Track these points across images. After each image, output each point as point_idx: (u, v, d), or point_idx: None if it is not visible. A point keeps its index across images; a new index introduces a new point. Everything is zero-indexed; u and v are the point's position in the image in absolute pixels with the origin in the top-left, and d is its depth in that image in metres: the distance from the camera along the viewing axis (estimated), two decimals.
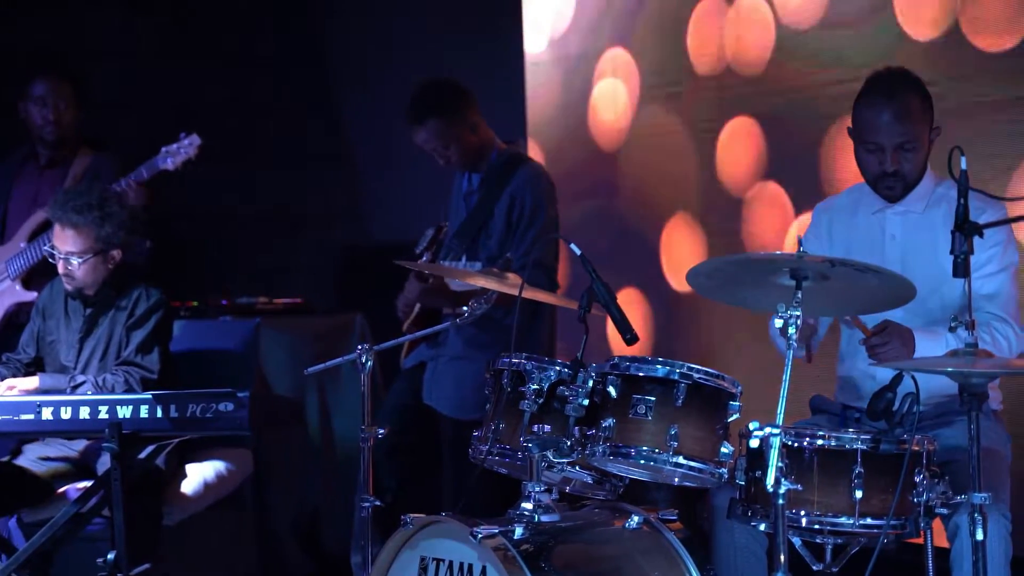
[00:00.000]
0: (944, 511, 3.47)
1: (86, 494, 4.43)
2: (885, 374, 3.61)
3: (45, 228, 5.33)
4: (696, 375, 3.50)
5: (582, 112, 6.52)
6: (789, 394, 3.24)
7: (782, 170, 5.69)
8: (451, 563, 3.54)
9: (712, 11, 5.92)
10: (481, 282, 4.14)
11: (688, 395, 3.49)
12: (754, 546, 3.72)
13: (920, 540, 3.56)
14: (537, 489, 3.57)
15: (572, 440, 3.54)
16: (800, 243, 3.30)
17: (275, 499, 5.74)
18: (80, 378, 4.81)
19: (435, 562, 3.58)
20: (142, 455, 4.57)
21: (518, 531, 3.45)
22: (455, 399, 5.19)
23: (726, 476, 3.51)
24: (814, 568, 3.54)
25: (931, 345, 3.72)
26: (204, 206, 6.78)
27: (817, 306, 3.55)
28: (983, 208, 3.78)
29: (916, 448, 3.40)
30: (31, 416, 4.33)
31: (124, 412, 4.26)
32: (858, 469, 3.36)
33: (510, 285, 4.02)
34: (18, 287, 5.50)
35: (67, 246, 4.82)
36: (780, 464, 3.19)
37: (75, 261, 4.82)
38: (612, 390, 3.53)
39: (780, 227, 5.65)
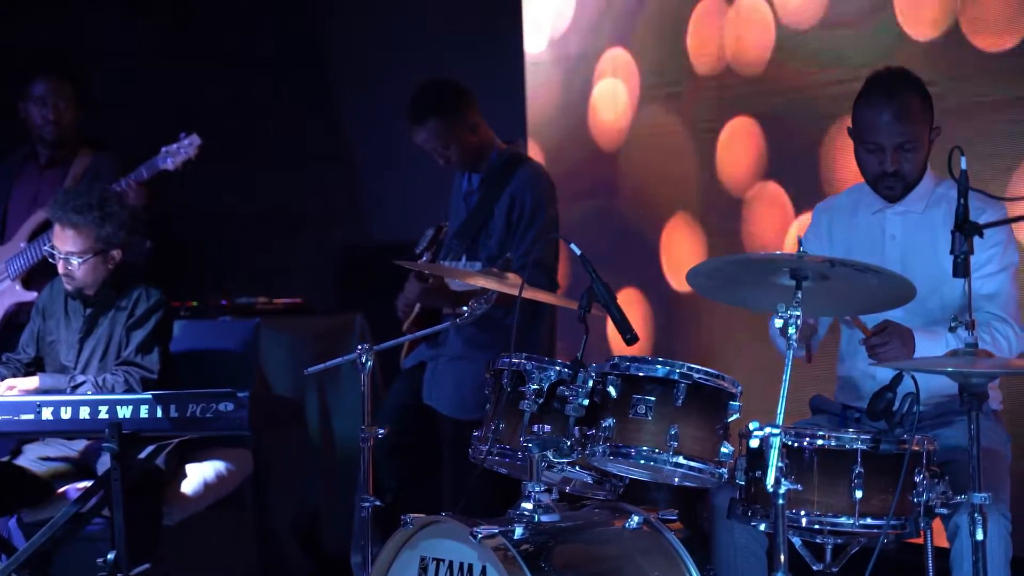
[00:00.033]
0: (944, 511, 3.47)
1: (86, 494, 4.43)
2: (885, 374, 3.61)
3: (45, 228, 5.33)
4: (696, 375, 3.50)
5: (582, 112, 6.52)
6: (789, 394, 3.24)
7: (782, 170, 5.69)
8: (451, 563, 3.54)
9: (712, 11, 5.92)
10: (481, 282, 4.14)
11: (688, 395, 3.49)
12: (754, 546, 3.72)
13: (920, 540, 3.56)
14: (537, 489, 3.57)
15: (572, 440, 3.54)
16: (800, 243, 3.30)
17: (275, 499, 5.74)
18: (80, 378, 4.81)
19: (435, 562, 3.57)
20: (142, 455, 4.56)
21: (518, 531, 3.45)
22: (455, 399, 5.19)
23: (726, 476, 3.51)
24: (814, 568, 3.54)
25: (931, 345, 3.72)
26: (204, 206, 6.78)
27: (817, 306, 3.55)
28: (983, 208, 3.77)
29: (916, 448, 3.40)
30: (31, 416, 4.33)
31: (124, 412, 4.26)
32: (858, 469, 3.36)
33: (510, 285, 4.02)
34: (18, 287, 5.50)
35: (67, 246, 4.82)
36: (780, 464, 3.19)
37: (75, 261, 4.82)
38: (612, 390, 3.53)
39: (780, 227, 5.65)
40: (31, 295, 5.39)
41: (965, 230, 3.29)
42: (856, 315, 3.73)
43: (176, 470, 5.03)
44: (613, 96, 6.38)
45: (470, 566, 3.50)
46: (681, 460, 3.47)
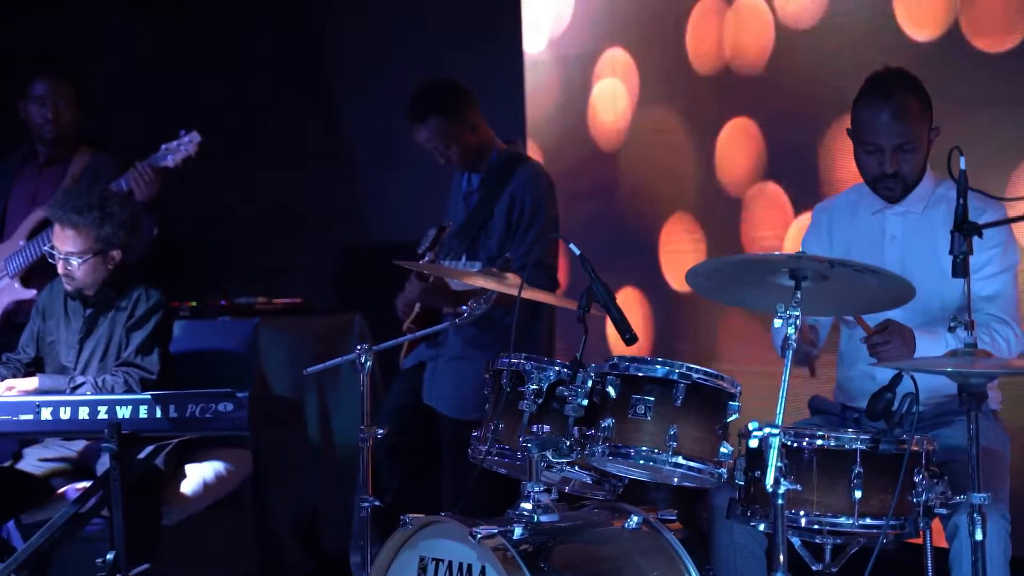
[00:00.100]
0: (943, 511, 3.46)
1: (85, 494, 4.42)
2: (884, 374, 3.60)
3: (44, 226, 5.33)
4: (695, 375, 3.50)
5: (581, 112, 6.52)
6: (788, 394, 3.24)
7: (781, 170, 5.69)
8: (450, 563, 3.54)
9: (712, 11, 5.93)
10: (480, 282, 4.14)
11: (687, 395, 3.49)
12: (753, 546, 3.72)
13: (919, 540, 3.56)
14: (536, 489, 3.57)
15: (571, 440, 3.54)
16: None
17: (274, 499, 5.74)
18: (80, 379, 4.81)
19: (434, 562, 3.58)
20: (141, 455, 4.55)
21: (517, 531, 3.45)
22: (455, 399, 5.19)
23: (725, 476, 3.51)
24: (813, 568, 3.54)
25: (932, 345, 3.72)
26: (204, 206, 6.78)
27: (817, 306, 3.55)
28: (983, 208, 3.77)
29: (915, 448, 3.40)
30: (30, 416, 4.32)
31: (123, 412, 4.25)
32: (857, 469, 3.36)
33: (510, 285, 4.02)
34: (17, 285, 5.50)
35: (67, 246, 4.81)
36: (779, 464, 3.19)
37: (75, 261, 4.82)
38: (611, 390, 3.53)
39: (779, 227, 5.65)
40: (30, 293, 5.39)
41: (964, 230, 3.29)
42: (858, 315, 3.74)
43: (175, 470, 5.03)
44: (612, 96, 6.38)
45: (469, 566, 3.50)
46: (680, 460, 3.47)
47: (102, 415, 4.26)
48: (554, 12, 6.63)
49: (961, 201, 3.31)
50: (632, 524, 3.64)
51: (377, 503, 3.95)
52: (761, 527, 3.48)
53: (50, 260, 4.91)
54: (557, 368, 3.64)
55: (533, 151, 6.52)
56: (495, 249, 5.15)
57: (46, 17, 6.69)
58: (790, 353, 3.26)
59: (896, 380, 3.46)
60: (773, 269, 3.36)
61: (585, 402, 3.55)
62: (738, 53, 5.82)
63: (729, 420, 3.53)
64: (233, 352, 5.60)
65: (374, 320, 5.95)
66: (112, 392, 4.66)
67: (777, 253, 3.45)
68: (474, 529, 3.43)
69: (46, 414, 4.31)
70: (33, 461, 4.89)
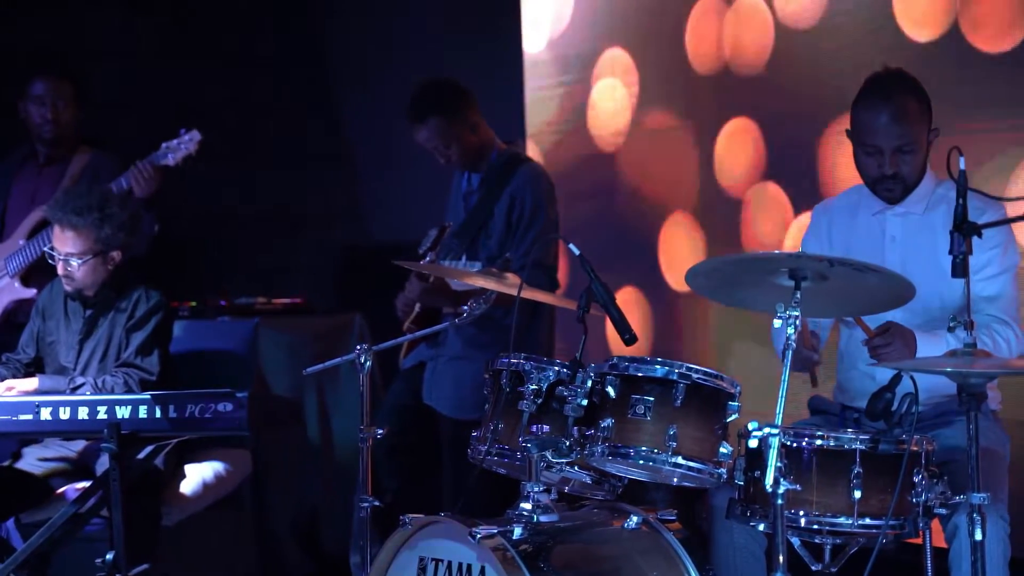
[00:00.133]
0: (943, 511, 3.46)
1: (84, 494, 4.42)
2: (884, 374, 3.60)
3: (44, 226, 5.33)
4: (695, 375, 3.50)
5: (581, 112, 6.52)
6: (788, 394, 3.24)
7: (781, 170, 5.69)
8: (450, 563, 3.55)
9: (711, 11, 5.92)
10: (480, 282, 4.14)
11: (687, 395, 3.49)
12: (753, 546, 3.72)
13: (919, 540, 3.56)
14: (536, 489, 3.57)
15: (571, 440, 3.54)
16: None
17: (274, 499, 5.74)
18: (79, 380, 4.81)
19: (434, 562, 3.58)
20: (141, 455, 4.56)
21: (517, 531, 3.45)
22: (454, 399, 5.19)
23: (725, 476, 3.51)
24: (813, 568, 3.54)
25: (933, 346, 3.71)
26: (204, 206, 6.78)
27: (817, 307, 3.55)
28: (983, 209, 3.77)
29: (915, 448, 3.40)
30: (30, 416, 4.32)
31: (123, 412, 4.25)
32: (857, 469, 3.36)
33: (509, 285, 4.02)
34: (17, 284, 5.50)
35: (67, 247, 4.81)
36: (779, 464, 3.19)
37: (75, 262, 4.81)
38: (611, 390, 3.53)
39: (779, 227, 5.64)
40: (30, 292, 5.39)
41: (964, 230, 3.28)
42: (858, 316, 3.73)
43: (175, 470, 5.03)
44: (612, 96, 6.38)
45: (469, 566, 3.50)
46: (680, 460, 3.47)
47: (101, 415, 4.26)
48: (554, 12, 6.63)
49: (961, 201, 3.30)
50: (632, 524, 3.64)
51: (377, 503, 3.95)
52: (761, 527, 3.48)
53: (50, 261, 4.91)
54: (557, 368, 3.63)
55: (532, 151, 6.52)
56: (495, 249, 5.15)
57: (46, 17, 6.69)
58: (790, 353, 3.26)
59: (895, 380, 3.46)
60: (773, 269, 3.36)
61: (585, 402, 3.55)
62: (738, 53, 5.82)
63: (729, 420, 3.53)
64: (233, 352, 5.60)
65: (374, 320, 5.95)
66: (112, 393, 4.66)
67: (776, 252, 3.45)
68: (474, 529, 3.43)
69: (45, 414, 4.31)
70: (32, 461, 4.89)
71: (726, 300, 3.71)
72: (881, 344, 3.69)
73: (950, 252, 3.29)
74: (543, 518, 3.55)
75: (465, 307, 4.15)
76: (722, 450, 3.50)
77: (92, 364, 4.89)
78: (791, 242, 5.51)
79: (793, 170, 5.63)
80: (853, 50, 5.32)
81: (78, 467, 4.91)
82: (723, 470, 3.50)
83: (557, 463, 3.58)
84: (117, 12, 6.90)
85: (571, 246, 3.71)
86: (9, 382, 4.83)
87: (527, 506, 3.55)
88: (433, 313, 5.28)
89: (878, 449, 3.37)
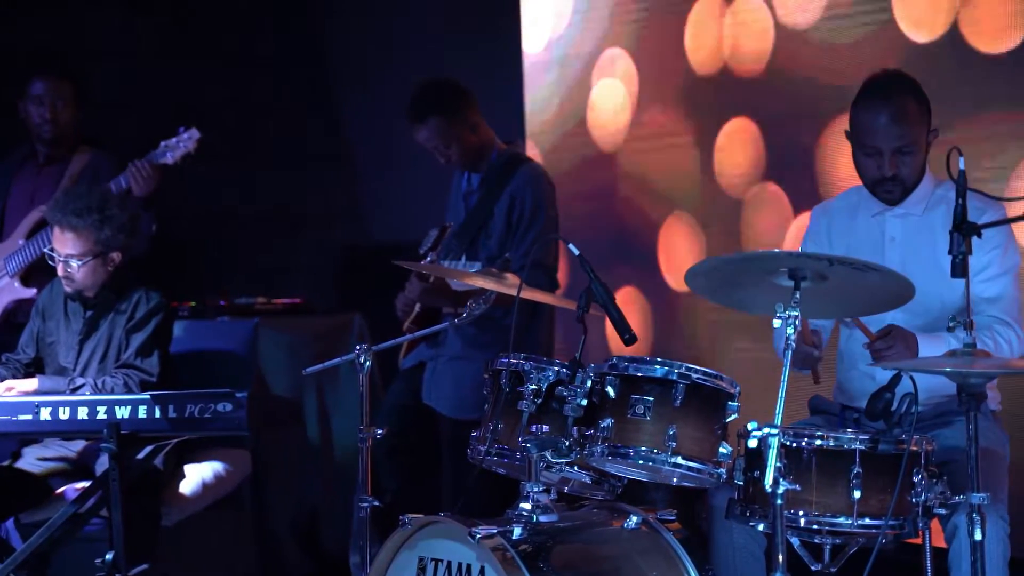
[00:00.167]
0: (942, 511, 3.46)
1: (84, 494, 4.42)
2: (884, 374, 3.60)
3: (43, 225, 5.33)
4: (694, 375, 3.50)
5: (581, 112, 6.51)
6: (788, 394, 3.24)
7: (781, 171, 5.69)
8: (449, 563, 3.55)
9: (711, 11, 5.92)
10: (480, 282, 4.14)
11: (686, 395, 3.49)
12: (752, 546, 3.72)
13: (918, 540, 3.56)
14: (535, 489, 3.57)
15: (570, 440, 3.54)
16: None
17: (273, 499, 5.74)
18: (79, 380, 4.81)
19: (433, 562, 3.58)
20: (140, 455, 4.56)
21: (516, 531, 3.45)
22: (454, 399, 5.19)
23: (724, 476, 3.51)
24: (812, 568, 3.54)
25: (935, 348, 3.71)
26: (204, 206, 6.78)
27: (816, 308, 3.55)
28: (983, 209, 3.77)
29: (914, 448, 3.40)
30: (29, 416, 4.32)
31: (122, 412, 4.25)
32: (856, 469, 3.36)
33: (509, 285, 4.02)
34: (17, 284, 5.50)
35: (67, 249, 4.81)
36: (778, 464, 3.19)
37: (75, 264, 4.81)
38: (610, 390, 3.53)
39: (779, 228, 5.64)
40: (30, 292, 5.39)
41: (963, 230, 3.28)
42: (858, 319, 3.73)
43: (174, 470, 5.03)
44: (612, 96, 6.38)
45: (468, 566, 3.50)
46: (679, 460, 3.47)
47: (101, 415, 4.26)
48: (554, 12, 6.63)
49: (960, 201, 3.30)
50: (631, 524, 3.64)
51: (376, 503, 3.95)
52: (760, 527, 3.48)
53: (50, 262, 4.91)
54: (556, 368, 3.64)
55: (532, 151, 6.52)
56: (495, 249, 5.15)
57: (46, 17, 6.69)
58: (789, 353, 3.26)
59: (895, 380, 3.46)
60: (772, 269, 3.35)
61: (584, 402, 3.55)
62: (737, 53, 5.82)
63: (728, 420, 3.53)
64: (232, 352, 5.60)
65: (374, 320, 5.95)
66: (112, 393, 4.66)
67: (776, 251, 3.45)
68: (473, 529, 3.43)
69: (45, 414, 4.31)
70: (32, 461, 4.89)
71: (725, 301, 3.70)
72: (883, 347, 3.69)
73: (950, 252, 3.29)
74: (543, 518, 3.55)
75: (465, 307, 4.15)
76: (722, 450, 3.50)
77: (92, 365, 4.89)
78: (790, 242, 5.51)
79: (793, 170, 5.63)
80: (853, 50, 5.32)
81: (78, 467, 4.91)
82: (723, 470, 3.50)
83: (557, 463, 3.58)
84: (117, 12, 6.90)
85: (571, 246, 3.71)
86: (9, 382, 4.83)
87: (527, 506, 3.55)
88: (433, 313, 5.28)
89: (878, 449, 3.37)
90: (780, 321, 3.27)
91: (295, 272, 7.12)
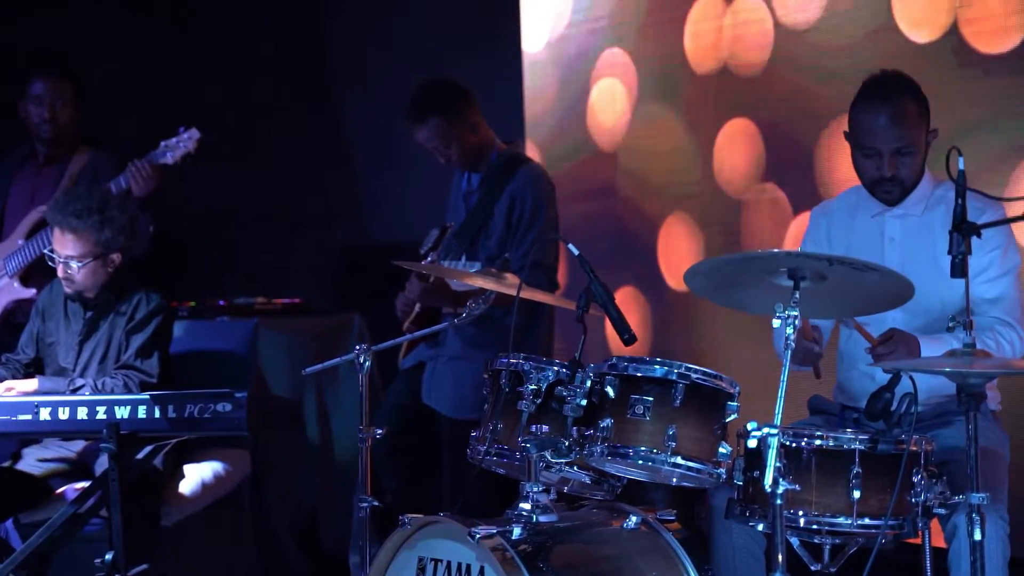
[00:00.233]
0: (942, 511, 3.46)
1: (84, 495, 4.42)
2: (884, 374, 3.60)
3: (43, 225, 5.33)
4: (694, 375, 3.50)
5: (580, 112, 6.52)
6: (787, 394, 3.24)
7: (780, 171, 5.69)
8: (449, 563, 3.55)
9: (710, 12, 5.92)
10: (480, 282, 4.14)
11: (686, 395, 3.49)
12: (752, 546, 3.72)
13: (918, 540, 3.56)
14: (535, 489, 3.57)
15: (570, 440, 3.54)
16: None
17: (273, 499, 5.74)
18: (79, 381, 4.80)
19: (433, 562, 3.58)
20: (140, 455, 4.56)
21: (516, 531, 3.45)
22: (454, 399, 5.19)
23: (724, 476, 3.51)
24: (812, 568, 3.54)
25: (937, 351, 3.70)
26: (204, 206, 6.78)
27: (816, 308, 3.55)
28: (983, 209, 3.77)
29: (914, 448, 3.40)
30: (29, 416, 4.32)
31: (122, 412, 4.25)
32: (856, 469, 3.36)
33: (509, 285, 4.02)
34: (16, 284, 5.50)
35: (67, 250, 4.81)
36: (778, 464, 3.19)
37: (75, 265, 4.81)
38: (610, 390, 3.53)
39: (778, 228, 5.64)
40: (29, 292, 5.39)
41: (963, 230, 3.28)
42: (858, 321, 3.73)
43: (174, 471, 5.03)
44: (611, 96, 6.38)
45: (468, 566, 3.50)
46: (679, 460, 3.47)
47: (101, 415, 4.26)
48: (553, 12, 6.63)
49: (960, 201, 3.30)
50: (631, 524, 3.64)
51: (376, 503, 3.95)
52: (760, 527, 3.48)
53: (50, 263, 4.91)
54: (556, 368, 3.63)
55: (532, 151, 6.52)
56: (495, 249, 5.15)
57: (46, 17, 6.69)
58: (789, 353, 3.26)
59: (895, 380, 3.46)
60: (771, 269, 3.35)
61: (584, 402, 3.55)
62: (737, 53, 5.82)
63: (728, 420, 3.53)
64: (232, 352, 5.60)
65: (374, 320, 5.94)
66: (111, 394, 4.66)
67: (775, 251, 3.44)
68: (473, 529, 3.43)
69: (45, 414, 4.31)
70: (32, 461, 4.89)
71: (725, 301, 3.70)
72: (885, 352, 3.68)
73: (949, 252, 3.29)
74: (542, 518, 3.55)
75: (465, 307, 4.15)
76: (721, 450, 3.50)
77: (91, 366, 4.89)
78: (790, 242, 5.51)
79: (792, 170, 5.63)
80: (852, 51, 5.32)
81: (77, 467, 4.91)
82: (722, 470, 3.50)
83: (556, 463, 3.58)
84: (117, 12, 6.90)
85: (570, 246, 3.71)
86: (8, 383, 4.83)
87: (526, 506, 3.55)
88: (433, 313, 5.28)
89: (877, 449, 3.37)
90: (779, 321, 3.27)
91: (295, 272, 7.11)
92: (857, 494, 3.35)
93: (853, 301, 3.53)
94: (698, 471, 3.49)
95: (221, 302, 6.00)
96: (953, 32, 5.00)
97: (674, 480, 3.62)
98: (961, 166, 3.31)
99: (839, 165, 5.30)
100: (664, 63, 6.14)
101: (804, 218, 5.06)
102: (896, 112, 3.84)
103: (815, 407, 4.09)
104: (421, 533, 3.61)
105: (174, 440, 4.66)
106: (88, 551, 4.45)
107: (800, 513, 3.38)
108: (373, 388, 4.46)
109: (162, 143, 5.41)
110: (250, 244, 7.07)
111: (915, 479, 3.40)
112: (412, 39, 7.01)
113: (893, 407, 3.44)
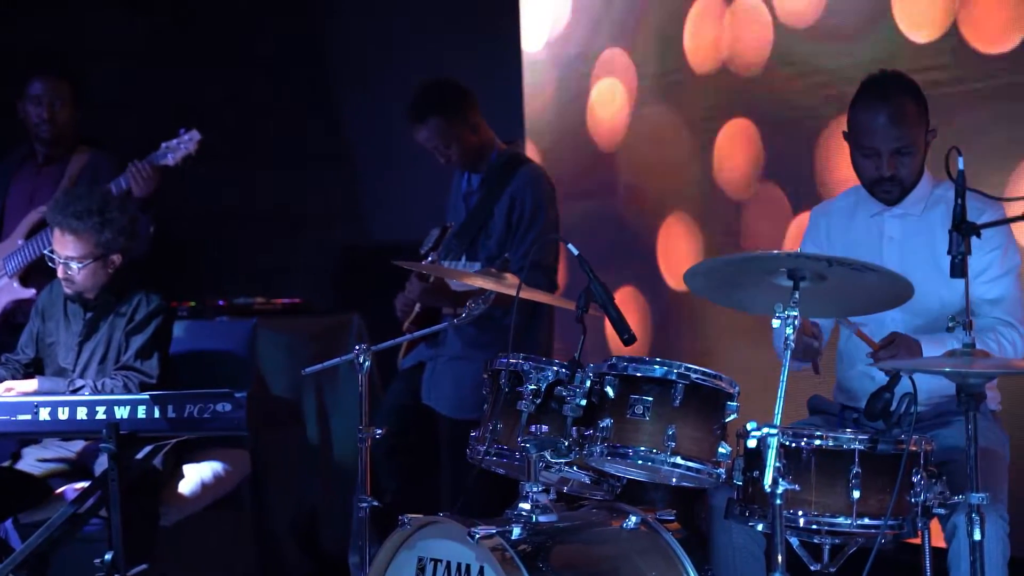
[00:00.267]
0: (942, 511, 3.46)
1: (83, 495, 4.42)
2: (883, 375, 3.60)
3: (43, 226, 5.34)
4: (694, 375, 3.50)
5: (580, 112, 6.52)
6: (787, 394, 3.24)
7: (780, 170, 5.69)
8: (449, 563, 3.54)
9: (710, 12, 5.92)
10: (479, 282, 4.14)
11: (686, 395, 3.49)
12: (752, 546, 3.72)
13: (918, 540, 3.56)
14: (535, 489, 3.57)
15: (570, 440, 3.54)
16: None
17: (273, 499, 5.74)
18: (79, 382, 4.80)
19: (433, 562, 3.58)
20: (139, 455, 4.56)
21: (516, 531, 3.45)
22: (454, 399, 5.19)
23: (724, 476, 3.51)
24: (812, 568, 3.54)
25: (939, 353, 3.70)
26: (204, 206, 6.78)
27: (816, 308, 3.54)
28: (983, 209, 3.76)
29: (913, 448, 3.40)
30: (28, 416, 4.32)
31: (121, 412, 4.25)
32: (855, 469, 3.36)
33: (508, 285, 4.02)
34: (16, 285, 5.50)
35: (67, 251, 4.81)
36: (778, 464, 3.19)
37: (75, 266, 4.81)
38: (610, 390, 3.53)
39: (778, 228, 5.64)
40: (29, 292, 5.39)
41: (962, 230, 3.28)
42: (859, 327, 3.73)
43: (173, 471, 5.03)
44: (611, 96, 6.38)
45: (468, 566, 3.50)
46: (679, 460, 3.47)
47: (100, 415, 4.26)
48: (553, 12, 6.63)
49: (959, 201, 3.30)
50: (630, 524, 3.64)
51: (375, 503, 3.95)
52: (759, 527, 3.47)
53: (50, 264, 4.91)
54: (555, 368, 3.63)
55: (532, 151, 6.52)
56: (495, 249, 5.15)
57: (46, 17, 6.69)
58: (788, 353, 3.26)
59: (894, 380, 3.46)
60: (771, 269, 3.35)
61: (583, 402, 3.55)
62: (737, 53, 5.82)
63: (728, 420, 3.53)
64: (231, 352, 5.59)
65: (373, 320, 5.94)
66: (111, 394, 4.65)
67: (775, 251, 3.45)
68: (472, 529, 3.43)
69: (44, 414, 4.31)
70: (31, 461, 4.89)
71: (724, 301, 3.70)
72: (887, 356, 3.68)
73: (949, 252, 3.29)
74: (542, 518, 3.55)
75: (464, 307, 4.15)
76: (721, 450, 3.50)
77: (91, 366, 4.89)
78: (790, 242, 5.51)
79: (792, 170, 5.63)
80: (852, 50, 5.32)
81: (77, 467, 4.91)
82: (722, 470, 3.50)
83: (556, 463, 3.58)
84: (117, 12, 6.90)
85: (570, 246, 3.71)
86: (8, 383, 4.82)
87: (526, 506, 3.55)
88: (433, 313, 5.28)
89: (877, 449, 3.37)
90: (779, 321, 3.27)
91: (294, 272, 7.12)
92: (857, 494, 3.35)
93: (852, 301, 3.53)
94: (698, 471, 3.49)
95: (221, 302, 6.00)
96: (953, 32, 5.00)
97: (674, 480, 3.62)
98: (961, 166, 3.31)
99: (839, 165, 5.30)
100: (664, 63, 6.14)
101: (804, 218, 5.06)
102: (895, 112, 3.84)
103: (815, 407, 4.09)
104: (421, 533, 3.61)
105: (174, 440, 4.67)
106: (88, 551, 4.45)
107: (800, 513, 3.38)
108: (373, 388, 4.45)
109: (163, 144, 5.41)
110: (250, 244, 7.08)
111: (915, 479, 3.40)
112: (412, 39, 7.01)
113: (893, 407, 3.44)
